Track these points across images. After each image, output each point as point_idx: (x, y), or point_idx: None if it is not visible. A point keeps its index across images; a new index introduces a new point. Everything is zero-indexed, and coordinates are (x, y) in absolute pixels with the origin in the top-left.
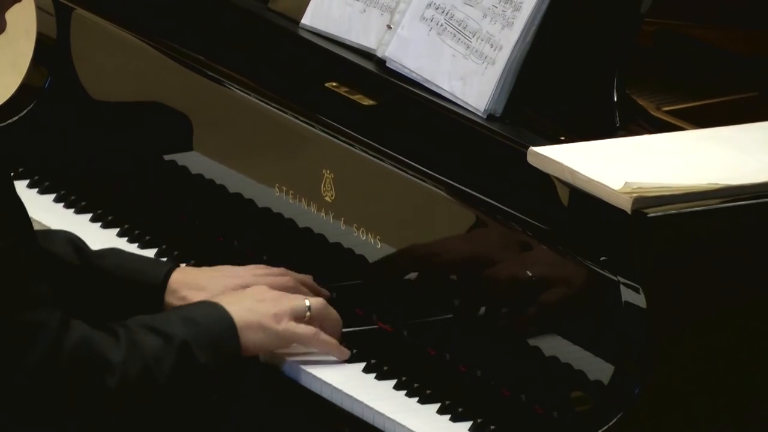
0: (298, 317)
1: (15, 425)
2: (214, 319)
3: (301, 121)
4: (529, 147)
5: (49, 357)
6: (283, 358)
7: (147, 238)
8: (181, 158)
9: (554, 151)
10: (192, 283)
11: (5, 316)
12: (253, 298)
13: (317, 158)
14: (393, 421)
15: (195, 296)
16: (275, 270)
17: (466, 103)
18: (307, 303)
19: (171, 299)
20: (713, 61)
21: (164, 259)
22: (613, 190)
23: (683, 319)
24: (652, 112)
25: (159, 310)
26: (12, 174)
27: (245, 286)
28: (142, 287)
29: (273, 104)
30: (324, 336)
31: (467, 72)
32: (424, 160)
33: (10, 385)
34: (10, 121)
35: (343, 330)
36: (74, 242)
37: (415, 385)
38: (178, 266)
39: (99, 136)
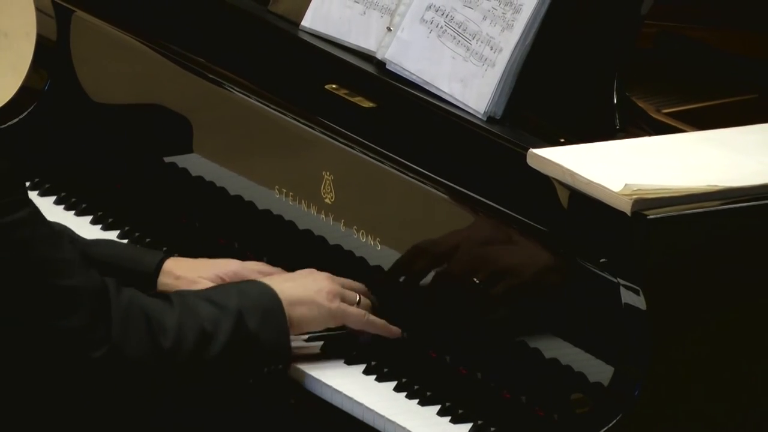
0: (349, 302)
1: (66, 385)
2: (262, 293)
3: (301, 123)
4: (529, 149)
5: (102, 317)
6: None
7: (147, 240)
8: (182, 160)
9: (554, 153)
10: (186, 267)
11: (47, 280)
12: (307, 277)
13: (317, 160)
14: (393, 423)
15: (190, 274)
16: (271, 268)
17: (466, 106)
18: (357, 297)
19: (166, 280)
20: (713, 63)
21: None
22: (612, 192)
23: (683, 321)
24: (652, 114)
25: None
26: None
27: (235, 275)
28: (135, 274)
29: (273, 106)
30: (372, 318)
31: (467, 74)
32: (423, 162)
33: (63, 347)
34: (10, 123)
35: (343, 332)
36: (66, 232)
37: (416, 387)
38: (171, 256)
39: (99, 139)
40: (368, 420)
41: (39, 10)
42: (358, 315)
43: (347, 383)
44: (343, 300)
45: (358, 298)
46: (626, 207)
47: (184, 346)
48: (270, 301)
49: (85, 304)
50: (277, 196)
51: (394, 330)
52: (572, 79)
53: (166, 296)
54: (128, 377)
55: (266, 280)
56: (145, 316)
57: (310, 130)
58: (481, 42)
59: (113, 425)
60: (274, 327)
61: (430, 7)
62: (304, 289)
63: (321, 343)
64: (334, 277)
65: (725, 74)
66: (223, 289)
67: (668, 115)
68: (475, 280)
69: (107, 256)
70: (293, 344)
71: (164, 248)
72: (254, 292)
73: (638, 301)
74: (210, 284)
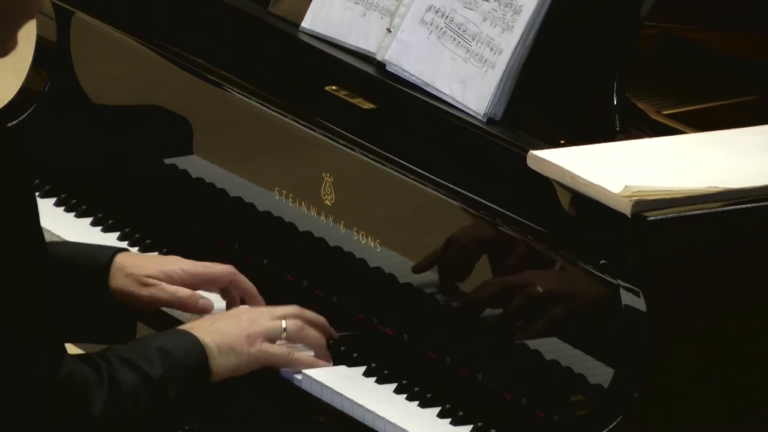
0: (273, 338)
1: None
2: (187, 350)
3: (301, 124)
4: (529, 150)
5: (39, 393)
6: None
7: (147, 241)
8: (182, 162)
9: (554, 155)
10: (134, 264)
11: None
12: (228, 320)
13: (317, 162)
14: (393, 425)
15: (138, 272)
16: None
17: (466, 107)
18: (283, 325)
19: (117, 276)
20: (713, 64)
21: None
22: (613, 193)
23: (683, 323)
24: (652, 116)
25: (104, 293)
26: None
27: (183, 272)
28: (88, 270)
29: (273, 108)
30: (297, 357)
31: (467, 75)
32: (423, 164)
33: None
34: (10, 124)
35: (343, 333)
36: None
37: (416, 388)
38: (124, 250)
39: (99, 140)
40: (368, 422)
41: (39, 11)
42: (282, 356)
43: (348, 385)
44: (268, 336)
45: (283, 327)
46: (626, 208)
47: (107, 423)
48: (196, 358)
49: (35, 371)
50: (278, 197)
51: (322, 363)
52: (572, 81)
53: (98, 368)
54: None
55: (192, 330)
56: (75, 398)
57: (310, 131)
58: (481, 43)
59: None
60: (198, 386)
61: (430, 8)
62: (224, 336)
63: None
64: (262, 311)
65: (725, 76)
66: (148, 350)
67: (668, 116)
68: (475, 281)
69: (62, 255)
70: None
71: (164, 250)
72: (179, 351)
73: (638, 303)
74: (158, 284)
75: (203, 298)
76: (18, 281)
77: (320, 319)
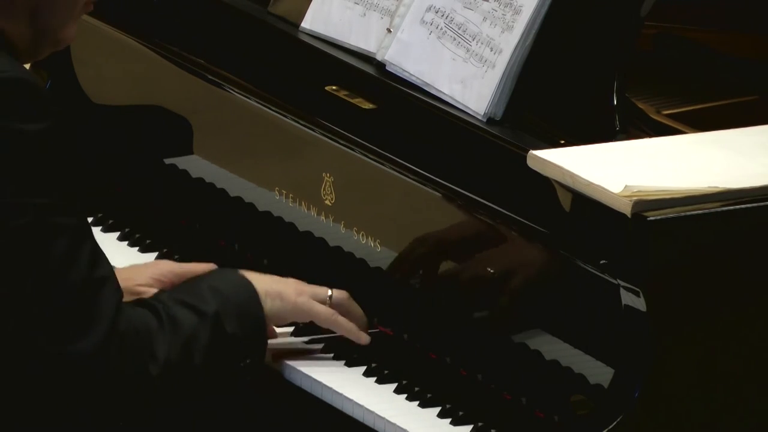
0: (319, 300)
1: (54, 407)
2: (237, 287)
3: (301, 124)
4: (529, 150)
5: (105, 339)
6: (284, 361)
7: (147, 242)
8: (182, 162)
9: (554, 155)
10: (124, 277)
11: (75, 294)
12: (278, 278)
13: (317, 162)
14: (393, 424)
15: (126, 284)
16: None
17: (466, 107)
18: (329, 292)
19: None
20: (713, 64)
21: None
22: (613, 193)
23: (683, 323)
24: (652, 116)
25: None
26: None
27: (173, 274)
28: None
29: (273, 108)
30: (341, 318)
31: (467, 75)
32: (423, 164)
33: (59, 365)
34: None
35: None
36: None
37: (416, 389)
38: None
39: (99, 140)
40: (369, 422)
41: None
42: (325, 313)
43: (348, 385)
44: (314, 296)
45: (329, 294)
46: (626, 208)
47: (170, 368)
48: (246, 293)
49: (96, 324)
50: (278, 197)
51: (363, 336)
52: (572, 81)
53: (156, 310)
54: (115, 397)
55: (248, 274)
56: (140, 343)
57: (311, 131)
58: (481, 43)
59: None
60: (251, 323)
61: (429, 8)
62: (273, 281)
63: (322, 345)
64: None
65: (725, 76)
66: (199, 289)
67: (668, 116)
68: (475, 281)
69: None
70: (293, 346)
71: (164, 250)
72: (229, 288)
73: (638, 303)
74: (150, 290)
75: None
76: (80, 224)
77: (361, 311)
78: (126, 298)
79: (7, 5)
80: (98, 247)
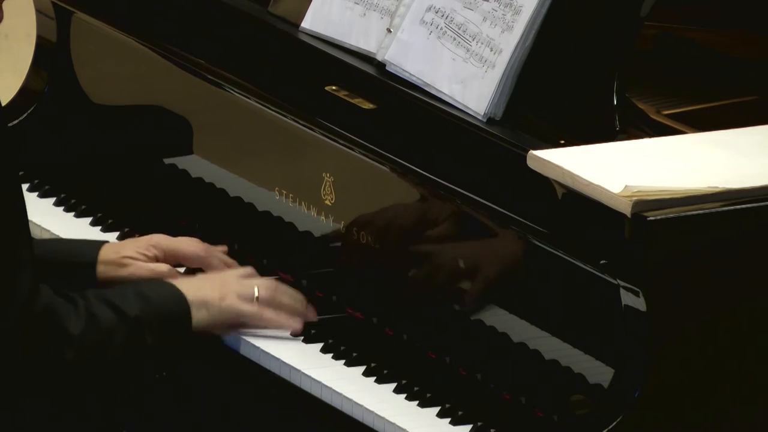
0: (245, 298)
1: None
2: (165, 297)
3: (301, 124)
4: (529, 150)
5: (17, 321)
6: (283, 360)
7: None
8: (181, 162)
9: (554, 155)
10: (112, 251)
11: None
12: (204, 278)
13: (317, 162)
14: (393, 424)
15: (115, 257)
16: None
17: (466, 107)
18: (256, 291)
19: (101, 268)
20: (713, 64)
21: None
22: (613, 193)
23: (683, 323)
24: (652, 116)
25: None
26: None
27: (157, 244)
28: (77, 266)
29: (273, 108)
30: (266, 314)
31: (467, 75)
32: (424, 164)
33: None
34: (10, 124)
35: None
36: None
37: (415, 388)
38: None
39: (99, 140)
40: (368, 422)
41: (39, 11)
42: (251, 311)
43: (347, 385)
44: (240, 295)
45: (256, 294)
46: (626, 208)
47: (83, 354)
48: (174, 306)
49: (11, 303)
50: (277, 197)
51: (294, 324)
52: (572, 81)
53: (74, 301)
54: (30, 381)
55: (174, 282)
56: (54, 327)
57: (311, 131)
58: (481, 43)
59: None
60: (176, 333)
61: (429, 8)
62: (198, 290)
63: (321, 344)
64: (237, 272)
65: (725, 76)
66: (125, 292)
67: (668, 116)
68: (474, 281)
69: (50, 253)
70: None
71: None
72: (157, 298)
73: (638, 303)
74: (135, 263)
75: (182, 273)
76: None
77: (297, 294)
78: (111, 269)
79: None
80: (23, 229)
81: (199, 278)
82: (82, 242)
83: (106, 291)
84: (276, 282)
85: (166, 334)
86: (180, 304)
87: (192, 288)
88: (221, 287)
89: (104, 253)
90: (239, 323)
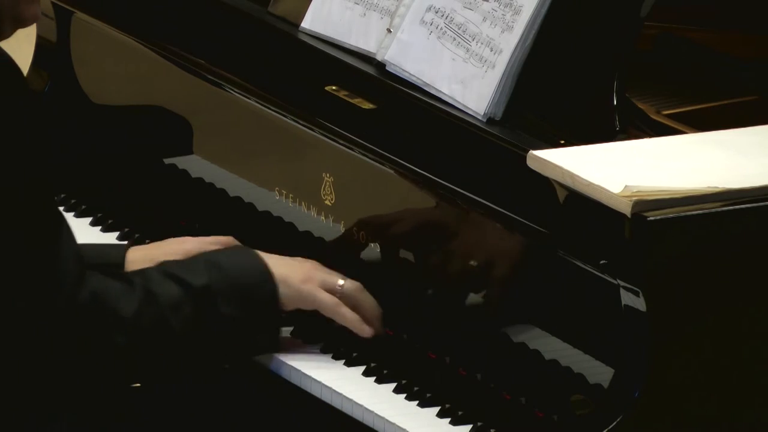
0: (327, 289)
1: (19, 381)
2: (242, 264)
3: (301, 124)
4: (528, 150)
5: (63, 312)
6: (282, 360)
7: (147, 242)
8: (181, 162)
9: (554, 155)
10: (140, 254)
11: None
12: (292, 259)
13: (317, 162)
14: (393, 424)
15: (144, 262)
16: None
17: (466, 107)
18: (341, 282)
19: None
20: (713, 64)
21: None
22: (613, 193)
23: (683, 323)
24: (652, 116)
25: None
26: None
27: (188, 253)
28: (105, 267)
29: (273, 108)
30: (344, 309)
31: (467, 75)
32: (423, 164)
33: (18, 332)
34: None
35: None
36: None
37: (415, 388)
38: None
39: (99, 140)
40: (368, 421)
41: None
42: (329, 302)
43: (347, 385)
44: (323, 284)
45: (341, 283)
46: (626, 208)
47: (140, 335)
48: (255, 275)
49: (55, 293)
50: (277, 197)
51: (366, 329)
52: (572, 81)
53: (129, 280)
54: (82, 372)
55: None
56: (103, 313)
57: (310, 131)
58: (481, 43)
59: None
60: (259, 303)
61: (429, 8)
62: (282, 264)
63: (321, 344)
64: (324, 268)
65: (725, 76)
66: (195, 262)
67: (668, 116)
68: (474, 281)
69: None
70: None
71: None
72: (233, 267)
73: (638, 303)
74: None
75: None
76: (42, 196)
77: (377, 305)
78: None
79: None
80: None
81: (285, 257)
82: (107, 246)
83: (173, 263)
84: (361, 285)
85: (246, 303)
86: (262, 273)
87: (278, 263)
88: (307, 270)
89: (134, 258)
90: (312, 311)
